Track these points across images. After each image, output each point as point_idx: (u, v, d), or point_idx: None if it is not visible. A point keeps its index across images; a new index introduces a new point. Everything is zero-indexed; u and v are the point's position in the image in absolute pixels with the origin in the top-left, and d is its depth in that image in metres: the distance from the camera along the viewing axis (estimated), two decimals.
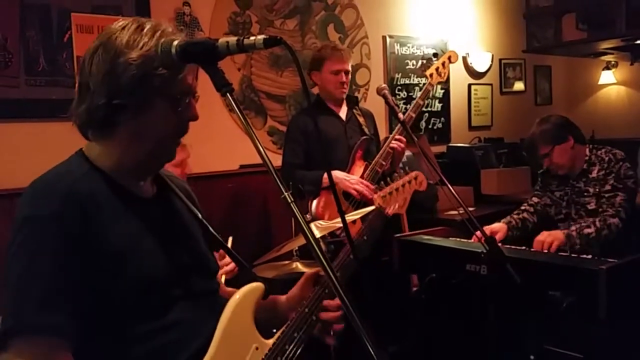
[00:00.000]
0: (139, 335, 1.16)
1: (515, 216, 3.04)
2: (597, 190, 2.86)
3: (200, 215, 1.41)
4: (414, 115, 3.11)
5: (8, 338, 1.06)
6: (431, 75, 3.23)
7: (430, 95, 4.95)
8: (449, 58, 3.29)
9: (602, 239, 2.69)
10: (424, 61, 4.97)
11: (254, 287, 1.35)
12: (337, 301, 1.41)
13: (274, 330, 1.38)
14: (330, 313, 1.42)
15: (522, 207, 3.11)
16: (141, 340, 1.16)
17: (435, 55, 3.47)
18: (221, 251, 2.42)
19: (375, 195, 1.77)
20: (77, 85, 1.23)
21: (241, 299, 1.32)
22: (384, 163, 3.03)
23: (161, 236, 1.25)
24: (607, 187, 2.81)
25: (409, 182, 1.82)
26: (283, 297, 1.50)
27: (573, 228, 2.75)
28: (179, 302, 1.23)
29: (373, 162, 3.05)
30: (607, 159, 2.85)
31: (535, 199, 3.12)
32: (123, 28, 1.20)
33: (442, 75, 3.27)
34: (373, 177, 3.02)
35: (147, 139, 1.22)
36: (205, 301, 1.31)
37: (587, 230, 2.71)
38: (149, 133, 1.21)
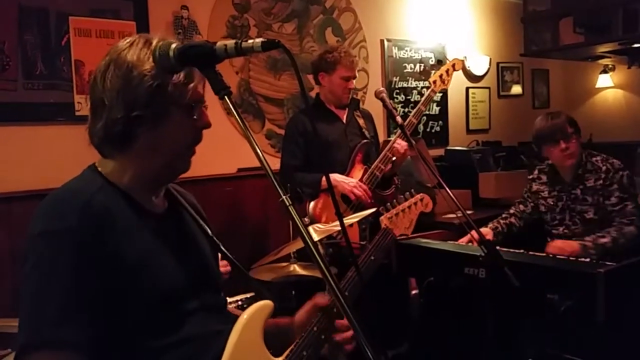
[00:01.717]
0: (152, 351, 1.16)
1: (502, 221, 3.07)
2: (597, 200, 2.85)
3: (210, 232, 1.42)
4: (415, 121, 3.11)
5: (25, 353, 1.06)
6: (434, 82, 3.21)
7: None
8: (454, 65, 3.26)
9: (620, 247, 2.67)
10: (422, 64, 4.98)
11: (264, 305, 1.35)
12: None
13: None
14: (342, 334, 1.41)
15: (511, 211, 3.13)
16: (154, 355, 1.16)
17: (439, 62, 3.45)
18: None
19: (382, 217, 1.80)
20: (89, 105, 1.25)
21: (251, 316, 1.32)
22: (383, 167, 3.03)
23: (174, 251, 1.26)
24: (614, 200, 2.81)
25: (415, 203, 1.87)
26: (288, 319, 1.49)
27: (588, 239, 2.74)
28: (191, 316, 1.24)
29: (373, 166, 3.04)
30: (604, 168, 2.84)
31: (521, 207, 3.13)
32: (131, 44, 1.22)
33: (446, 82, 3.25)
34: (372, 181, 3.01)
35: (164, 149, 1.24)
36: (216, 315, 1.31)
37: (602, 240, 2.70)
38: (167, 143, 1.23)
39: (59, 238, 1.10)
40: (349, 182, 2.97)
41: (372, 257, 1.67)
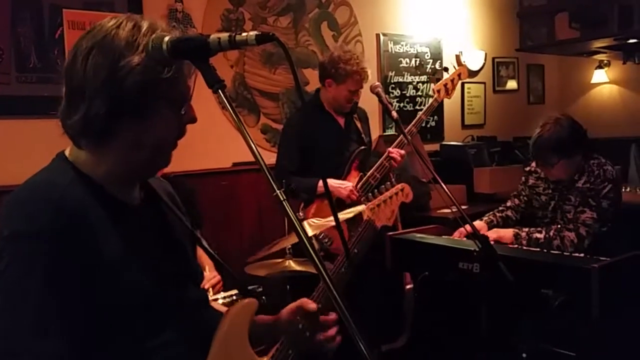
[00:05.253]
0: (135, 354, 1.11)
1: (498, 214, 3.01)
2: (578, 201, 2.75)
3: (189, 226, 1.34)
4: (415, 130, 3.08)
5: None
6: (438, 91, 3.16)
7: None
8: (459, 75, 3.20)
9: (554, 248, 2.61)
10: (418, 59, 4.97)
11: (248, 303, 1.31)
12: (333, 316, 1.37)
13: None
14: (326, 333, 1.36)
15: (508, 204, 3.06)
16: (140, 356, 1.11)
17: (445, 69, 3.39)
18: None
19: (364, 208, 1.76)
20: (64, 89, 1.12)
21: (236, 315, 1.28)
22: (378, 176, 2.98)
23: (152, 245, 1.20)
24: (584, 201, 2.72)
25: (396, 194, 1.81)
26: (272, 317, 1.44)
27: (525, 229, 2.72)
28: (173, 314, 1.19)
29: (368, 174, 2.99)
30: (596, 172, 2.73)
31: (516, 200, 3.04)
32: (118, 26, 1.10)
33: (450, 92, 3.19)
34: (365, 188, 2.96)
35: (147, 145, 1.14)
36: (198, 312, 1.27)
37: (536, 235, 2.67)
38: (151, 140, 1.14)
39: (30, 240, 1.02)
40: (345, 186, 2.93)
41: (356, 250, 1.63)
